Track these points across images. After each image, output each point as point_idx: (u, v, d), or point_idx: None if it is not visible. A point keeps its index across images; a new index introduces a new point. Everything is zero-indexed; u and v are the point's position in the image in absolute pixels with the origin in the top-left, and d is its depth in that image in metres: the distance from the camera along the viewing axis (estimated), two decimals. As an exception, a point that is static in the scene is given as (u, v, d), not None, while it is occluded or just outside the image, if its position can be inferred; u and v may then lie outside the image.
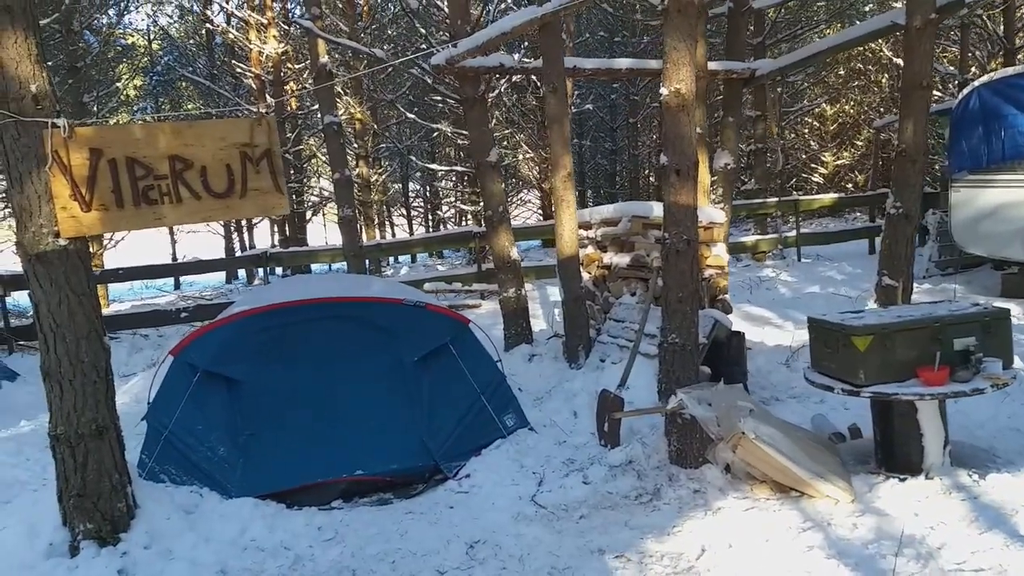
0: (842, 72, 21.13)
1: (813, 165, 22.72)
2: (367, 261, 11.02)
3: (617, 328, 6.13)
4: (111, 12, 18.79)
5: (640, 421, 4.87)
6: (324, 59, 9.13)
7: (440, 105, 17.46)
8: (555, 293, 10.93)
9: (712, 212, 6.54)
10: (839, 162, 22.28)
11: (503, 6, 14.40)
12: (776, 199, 13.96)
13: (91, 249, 13.31)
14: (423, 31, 11.84)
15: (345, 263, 10.06)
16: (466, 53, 6.68)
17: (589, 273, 6.92)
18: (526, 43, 16.61)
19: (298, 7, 20.36)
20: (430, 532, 3.99)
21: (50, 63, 13.65)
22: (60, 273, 3.43)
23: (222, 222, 22.27)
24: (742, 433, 3.97)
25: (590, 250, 6.90)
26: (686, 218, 4.87)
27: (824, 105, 21.59)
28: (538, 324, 8.50)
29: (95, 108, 15.89)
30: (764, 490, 4.07)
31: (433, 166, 19.18)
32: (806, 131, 23.20)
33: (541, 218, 20.57)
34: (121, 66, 21.32)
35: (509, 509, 4.15)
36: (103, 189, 3.48)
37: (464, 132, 17.12)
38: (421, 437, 4.80)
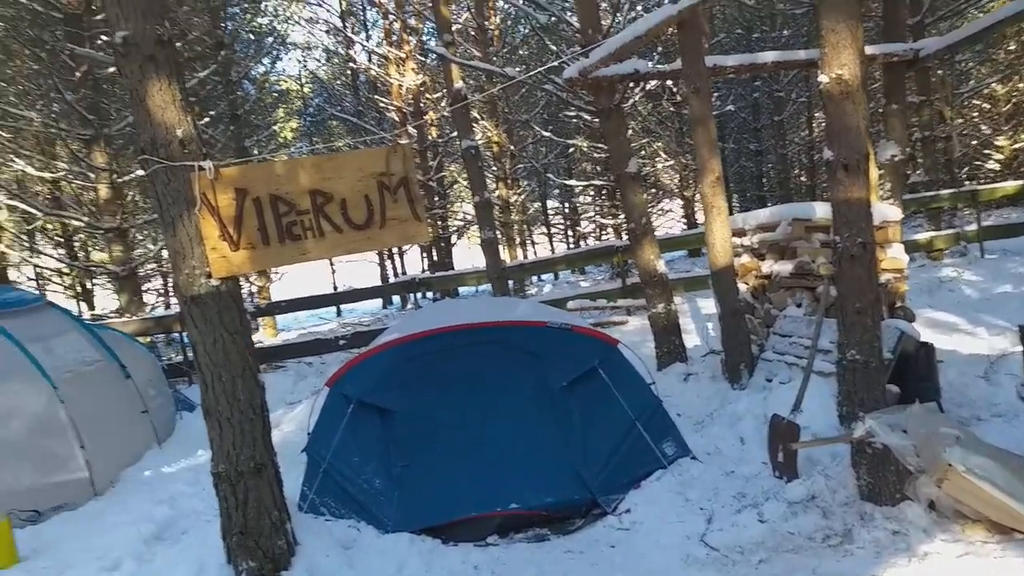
0: (1013, 47, 18.95)
1: (987, 151, 20.48)
2: (510, 281, 10.97)
3: (783, 344, 5.59)
4: (265, 61, 20.20)
5: (820, 450, 4.35)
6: (459, 84, 9.19)
7: (575, 120, 17.30)
8: (707, 306, 10.35)
9: (885, 209, 5.85)
10: (1016, 146, 19.94)
11: (632, 15, 14.05)
12: (950, 191, 12.59)
13: (259, 283, 14.14)
14: (554, 47, 11.74)
15: (490, 285, 10.04)
16: (599, 62, 6.42)
17: (746, 284, 6.40)
18: (659, 48, 16.15)
19: (433, 38, 20.95)
20: (591, 574, 3.70)
21: (213, 112, 14.83)
22: (214, 313, 3.48)
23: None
24: (948, 465, 3.41)
25: (746, 259, 6.39)
26: (859, 218, 4.32)
27: (995, 85, 19.43)
28: (691, 340, 8.02)
29: (256, 151, 17.05)
30: (979, 531, 3.47)
31: (571, 182, 19.03)
32: (975, 115, 20.98)
33: (685, 227, 19.87)
34: (278, 111, 22.87)
35: (677, 550, 3.78)
36: (249, 228, 3.50)
37: (600, 145, 16.87)
38: (575, 467, 4.54)
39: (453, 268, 19.97)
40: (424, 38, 20.71)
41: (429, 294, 16.96)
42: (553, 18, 9.63)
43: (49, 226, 15.21)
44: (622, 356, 5.00)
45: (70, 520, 5.53)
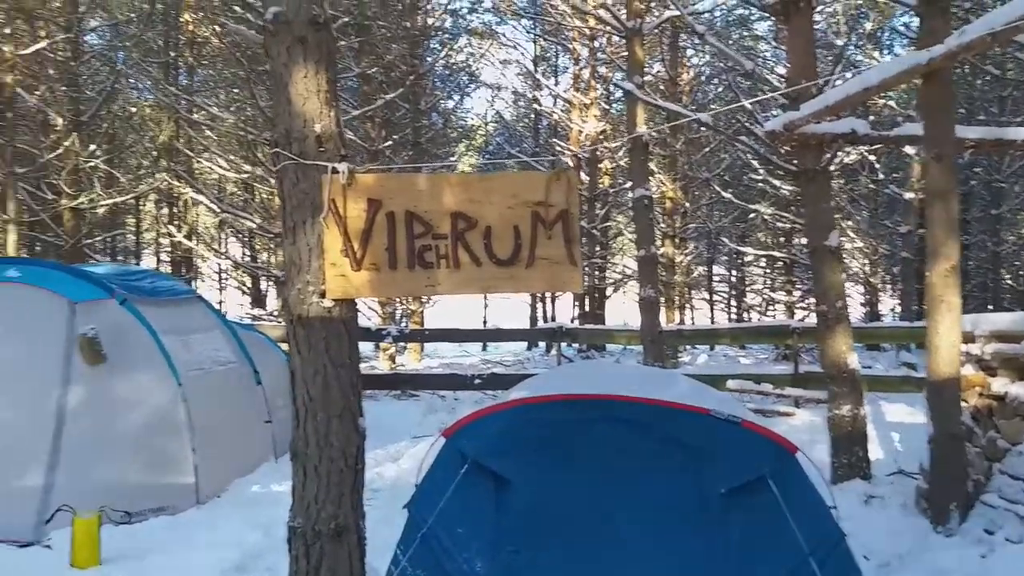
0: None
1: None
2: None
3: (1015, 489, 4.34)
4: (455, 97, 20.67)
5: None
6: (642, 128, 8.53)
7: (760, 184, 16.12)
8: (892, 412, 8.85)
9: None
10: None
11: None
12: None
13: (412, 307, 13.99)
14: (746, 104, 10.81)
15: (641, 346, 9.18)
16: (810, 116, 5.52)
17: (966, 402, 5.15)
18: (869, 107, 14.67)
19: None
20: None
21: (397, 136, 15.16)
22: (320, 339, 2.96)
23: (526, 292, 22.91)
24: None
25: (969, 371, 5.16)
26: None
27: None
28: (872, 451, 6.74)
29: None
30: None
31: (745, 249, 17.72)
32: None
33: (864, 318, 17.96)
34: (460, 144, 23.33)
35: None
36: (377, 246, 2.96)
37: (784, 214, 15.56)
38: (724, 600, 3.59)
39: (604, 322, 19.15)
40: (611, 88, 20.39)
41: (575, 345, 16.28)
42: (756, 69, 8.77)
43: (234, 225, 16.11)
44: (800, 468, 3.99)
45: (164, 528, 5.26)
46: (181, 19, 15.65)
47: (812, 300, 12.51)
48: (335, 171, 2.91)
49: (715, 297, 25.26)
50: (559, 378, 4.93)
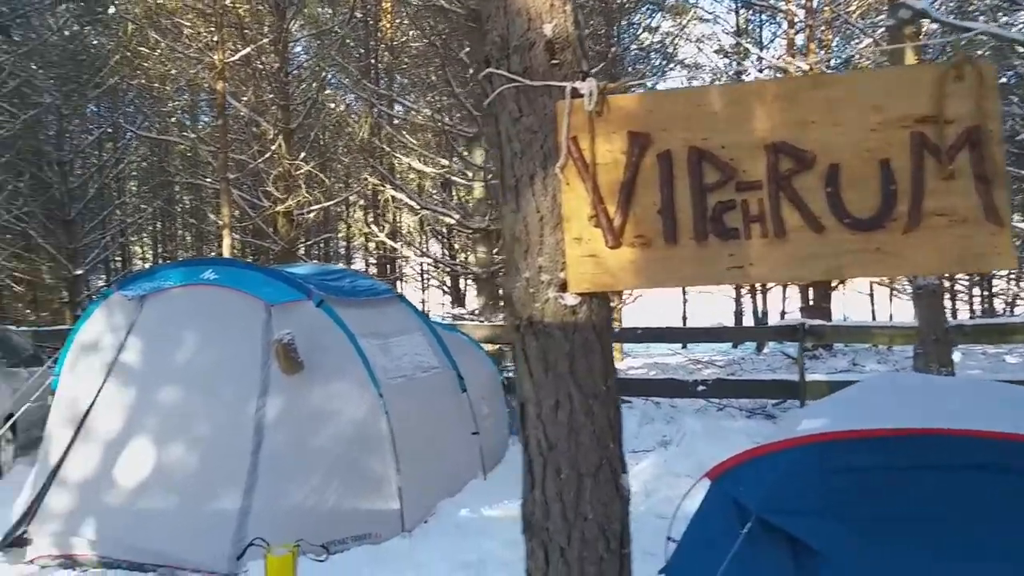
0: None
1: None
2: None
3: None
4: (649, 80, 19.27)
5: None
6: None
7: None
8: None
9: None
10: None
11: None
12: None
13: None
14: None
15: (911, 347, 7.39)
16: None
17: None
18: None
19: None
20: None
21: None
22: (563, 355, 1.93)
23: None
24: None
25: None
26: None
27: None
28: None
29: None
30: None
31: None
32: None
33: None
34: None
35: None
36: (646, 207, 1.87)
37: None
38: None
39: (830, 317, 16.71)
40: (833, 48, 17.94)
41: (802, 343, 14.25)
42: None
43: (433, 224, 16.00)
44: None
45: (367, 561, 4.56)
46: (379, 23, 15.77)
47: None
48: (576, 93, 1.86)
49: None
50: (853, 404, 3.59)
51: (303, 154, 13.31)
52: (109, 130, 19.80)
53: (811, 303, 17.17)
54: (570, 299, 1.93)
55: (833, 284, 19.13)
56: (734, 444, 4.79)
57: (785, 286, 20.57)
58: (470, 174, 10.66)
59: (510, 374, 9.59)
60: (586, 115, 1.87)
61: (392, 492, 4.94)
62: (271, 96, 12.00)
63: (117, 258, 24.85)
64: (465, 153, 10.69)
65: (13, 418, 6.83)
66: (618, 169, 1.89)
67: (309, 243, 15.56)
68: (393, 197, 11.41)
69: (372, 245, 18.77)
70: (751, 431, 7.03)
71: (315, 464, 4.77)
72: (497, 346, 10.40)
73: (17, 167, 16.40)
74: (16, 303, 20.28)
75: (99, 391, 5.09)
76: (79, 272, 18.02)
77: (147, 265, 30.87)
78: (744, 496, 3.00)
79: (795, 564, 2.83)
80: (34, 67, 14.46)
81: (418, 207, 10.98)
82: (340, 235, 24.73)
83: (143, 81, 13.40)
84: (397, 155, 12.47)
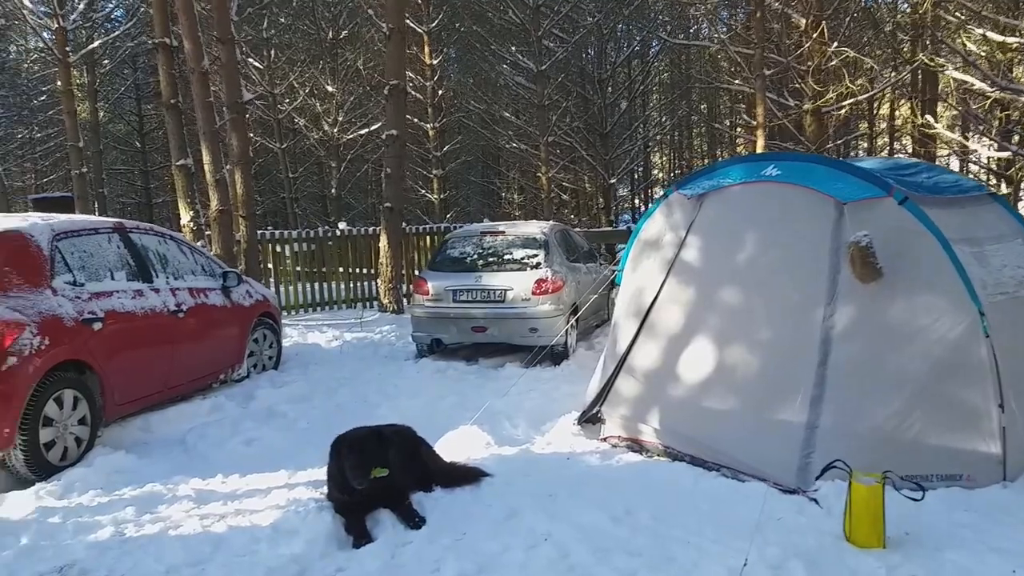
0: None
1: None
2: None
3: None
4: None
5: None
6: None
7: None
8: None
9: None
10: None
11: None
12: None
13: None
14: None
15: None
16: None
17: None
18: None
19: None
20: None
21: None
22: None
23: None
24: None
25: None
26: None
27: None
28: None
29: None
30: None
31: None
32: None
33: None
34: None
35: None
36: None
37: None
38: None
39: None
40: None
41: None
42: None
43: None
44: None
45: (958, 506, 3.84)
46: None
47: None
48: None
49: None
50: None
51: (835, 44, 12.03)
52: (637, 48, 21.02)
53: None
54: None
55: None
56: None
57: None
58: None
59: None
60: None
61: (992, 431, 4.05)
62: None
63: (639, 168, 26.81)
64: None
65: (580, 311, 7.68)
66: None
67: (836, 143, 14.27)
68: (954, 79, 9.49)
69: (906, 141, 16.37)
70: None
71: (894, 386, 4.13)
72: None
73: (566, 87, 18.55)
74: (563, 209, 23.51)
75: (661, 287, 5.22)
76: (612, 181, 19.86)
77: (662, 176, 32.71)
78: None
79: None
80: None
81: (992, 89, 8.89)
82: (861, 134, 22.37)
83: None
84: (952, 28, 10.38)
